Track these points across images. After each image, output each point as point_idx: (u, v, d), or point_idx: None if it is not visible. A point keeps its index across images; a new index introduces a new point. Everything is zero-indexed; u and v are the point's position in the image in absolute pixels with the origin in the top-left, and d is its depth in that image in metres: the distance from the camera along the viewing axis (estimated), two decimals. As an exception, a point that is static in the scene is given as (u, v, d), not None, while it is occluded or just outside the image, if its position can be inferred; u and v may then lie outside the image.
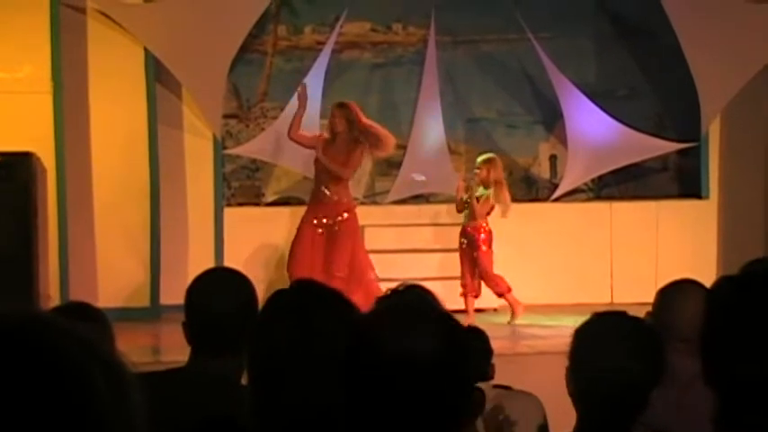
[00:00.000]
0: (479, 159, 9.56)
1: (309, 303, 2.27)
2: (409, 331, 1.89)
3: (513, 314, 9.41)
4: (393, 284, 3.24)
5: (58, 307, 3.93)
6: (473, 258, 9.36)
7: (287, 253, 9.39)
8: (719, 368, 1.99)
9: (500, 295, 9.43)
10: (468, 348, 1.97)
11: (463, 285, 9.36)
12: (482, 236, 9.35)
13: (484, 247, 9.35)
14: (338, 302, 2.34)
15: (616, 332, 2.73)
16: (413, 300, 2.16)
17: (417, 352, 1.86)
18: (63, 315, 1.16)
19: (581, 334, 2.75)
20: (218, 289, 3.12)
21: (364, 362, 1.89)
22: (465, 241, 9.42)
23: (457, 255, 9.48)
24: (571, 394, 2.74)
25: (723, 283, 2.06)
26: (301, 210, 9.60)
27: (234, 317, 2.99)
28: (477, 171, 9.45)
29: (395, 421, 1.86)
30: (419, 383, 1.85)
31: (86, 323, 1.16)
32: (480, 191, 9.41)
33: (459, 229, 9.53)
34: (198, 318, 3.09)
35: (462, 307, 9.01)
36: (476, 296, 9.41)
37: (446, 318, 1.96)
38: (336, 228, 9.11)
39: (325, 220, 9.09)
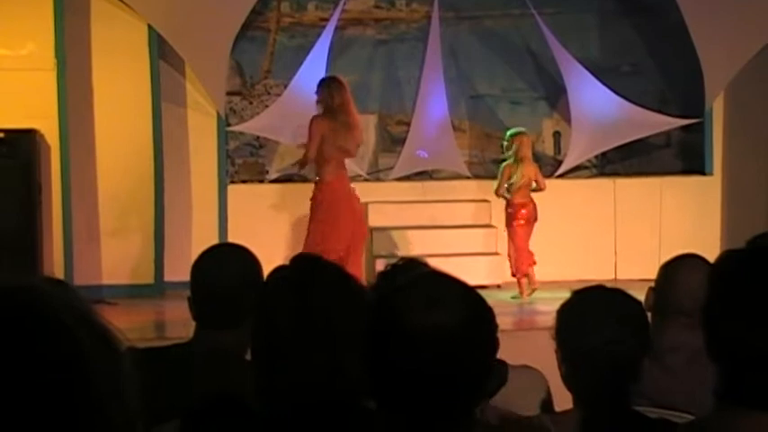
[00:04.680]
0: (513, 132, 9.58)
1: (309, 278, 2.28)
2: (436, 304, 1.89)
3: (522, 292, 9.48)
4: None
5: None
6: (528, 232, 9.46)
7: (291, 229, 9.32)
8: (722, 342, 2.00)
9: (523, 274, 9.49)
10: (493, 321, 1.98)
11: (523, 261, 9.39)
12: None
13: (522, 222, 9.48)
14: (339, 277, 2.34)
15: (600, 306, 2.73)
16: (434, 273, 2.16)
17: (444, 324, 1.87)
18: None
19: (565, 313, 2.75)
20: (224, 264, 3.13)
21: (390, 334, 1.89)
22: (525, 212, 9.46)
23: (461, 231, 9.45)
24: (565, 377, 2.75)
25: (727, 256, 2.06)
26: (305, 187, 9.58)
27: (239, 292, 3.00)
28: (514, 144, 9.46)
29: (420, 393, 1.87)
30: (446, 356, 1.86)
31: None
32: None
33: (463, 205, 9.45)
34: (203, 293, 3.10)
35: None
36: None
37: (471, 291, 1.97)
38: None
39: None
